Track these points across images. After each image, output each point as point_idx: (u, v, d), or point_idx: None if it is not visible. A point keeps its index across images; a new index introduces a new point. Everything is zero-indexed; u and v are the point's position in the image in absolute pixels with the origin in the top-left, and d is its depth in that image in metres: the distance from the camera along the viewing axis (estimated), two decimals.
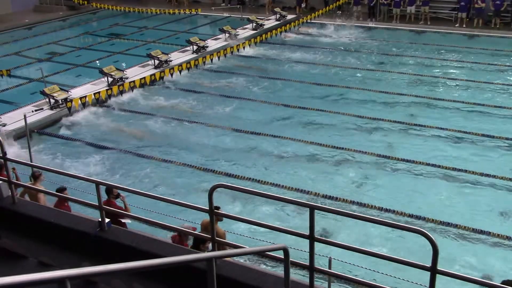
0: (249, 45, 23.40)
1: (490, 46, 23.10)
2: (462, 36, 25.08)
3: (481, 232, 10.37)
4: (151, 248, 5.99)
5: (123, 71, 19.15)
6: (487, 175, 12.40)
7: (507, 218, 10.97)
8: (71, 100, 16.26)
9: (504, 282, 6.18)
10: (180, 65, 20.25)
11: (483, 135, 14.55)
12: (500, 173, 12.47)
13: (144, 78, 18.62)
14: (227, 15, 30.33)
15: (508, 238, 10.17)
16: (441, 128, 14.99)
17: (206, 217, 7.75)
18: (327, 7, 28.39)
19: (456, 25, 26.34)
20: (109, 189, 8.70)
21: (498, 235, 10.25)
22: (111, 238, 6.15)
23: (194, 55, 22.02)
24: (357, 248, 5.29)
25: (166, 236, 8.61)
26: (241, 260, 7.89)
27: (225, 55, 22.02)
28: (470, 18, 26.48)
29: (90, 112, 16.79)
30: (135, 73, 19.77)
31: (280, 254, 5.03)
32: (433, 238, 4.37)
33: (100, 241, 6.15)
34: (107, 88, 17.81)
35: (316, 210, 4.98)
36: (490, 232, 10.33)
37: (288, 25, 26.14)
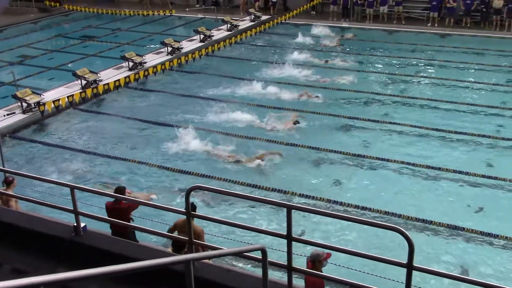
0: (224, 46, 23.43)
1: (462, 45, 23.52)
2: (434, 35, 25.46)
3: (456, 227, 10.53)
4: (128, 251, 5.94)
5: (97, 73, 18.95)
6: (461, 172, 12.61)
7: (481, 214, 11.16)
8: (44, 104, 16.03)
9: None
10: (154, 66, 20.13)
11: (456, 132, 14.78)
12: (472, 169, 12.69)
13: (119, 80, 18.47)
14: (202, 16, 30.25)
15: (481, 233, 10.35)
16: (415, 126, 15.19)
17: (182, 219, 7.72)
18: (289, 14, 28.17)
19: (428, 25, 26.74)
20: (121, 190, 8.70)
21: (472, 230, 10.42)
22: (87, 243, 6.08)
23: (169, 57, 21.93)
24: (334, 246, 5.33)
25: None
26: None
27: (200, 56, 22.00)
28: (442, 17, 26.93)
29: (63, 115, 16.60)
30: (109, 75, 19.59)
31: (258, 255, 5.04)
32: (408, 235, 4.43)
33: (75, 246, 6.07)
34: (81, 91, 17.60)
35: (293, 210, 5.01)
36: (464, 228, 10.49)
37: (262, 26, 26.24)
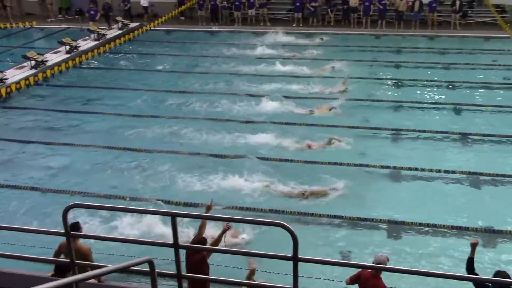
0: (93, 56, 22.66)
1: (326, 43, 24.78)
2: (300, 34, 26.45)
3: (335, 217, 11.05)
4: (5, 282, 5.51)
5: None
6: (335, 163, 13.23)
7: (355, 200, 11.75)
8: None
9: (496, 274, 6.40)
10: (18, 82, 18.90)
11: (328, 125, 15.46)
12: (346, 160, 13.38)
13: None
14: (66, 26, 28.86)
15: (358, 219, 10.97)
16: (289, 124, 15.68)
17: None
18: (158, 20, 27.90)
19: (294, 25, 27.87)
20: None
21: (350, 217, 11.01)
22: None
23: (33, 71, 20.66)
24: (222, 249, 5.37)
25: None
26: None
27: (67, 69, 21.06)
28: (306, 17, 28.15)
29: None
30: None
31: (146, 267, 4.92)
32: (292, 229, 4.57)
33: None
34: None
35: (178, 218, 4.96)
36: (343, 216, 11.05)
37: (131, 33, 25.68)
